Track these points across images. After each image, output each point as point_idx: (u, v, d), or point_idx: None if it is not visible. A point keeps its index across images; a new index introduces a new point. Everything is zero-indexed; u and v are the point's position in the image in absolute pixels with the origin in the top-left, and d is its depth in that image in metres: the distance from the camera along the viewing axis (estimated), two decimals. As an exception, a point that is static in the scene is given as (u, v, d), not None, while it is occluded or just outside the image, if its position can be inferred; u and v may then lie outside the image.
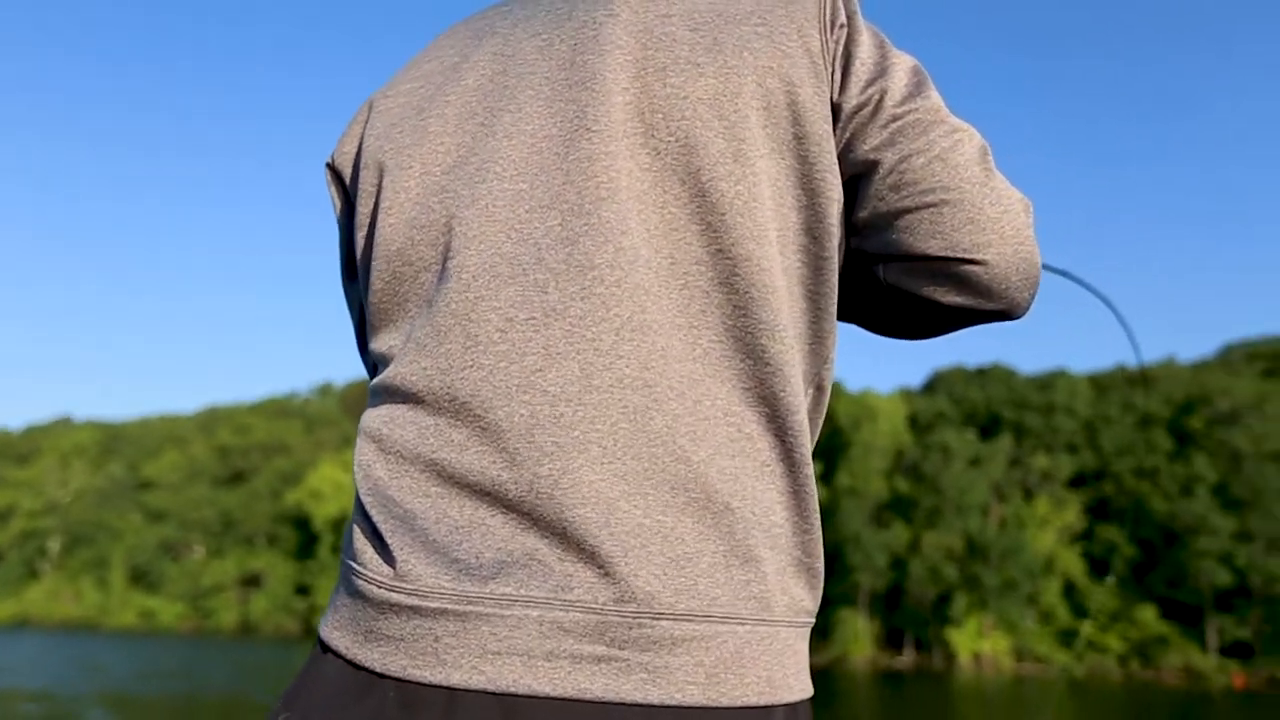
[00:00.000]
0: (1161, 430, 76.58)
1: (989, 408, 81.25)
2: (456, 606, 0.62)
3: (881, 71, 0.75)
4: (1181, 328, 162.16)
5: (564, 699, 0.59)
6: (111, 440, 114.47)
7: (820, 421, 0.80)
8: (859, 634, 73.97)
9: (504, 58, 0.78)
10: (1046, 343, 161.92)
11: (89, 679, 16.30)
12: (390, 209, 0.77)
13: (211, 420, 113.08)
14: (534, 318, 0.67)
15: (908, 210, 0.74)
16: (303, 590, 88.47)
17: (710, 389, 0.68)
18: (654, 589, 0.62)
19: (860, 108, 0.74)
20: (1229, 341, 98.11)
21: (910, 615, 73.85)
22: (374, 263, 0.78)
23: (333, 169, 0.87)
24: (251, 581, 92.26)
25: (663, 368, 0.66)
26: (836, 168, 0.74)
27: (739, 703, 0.62)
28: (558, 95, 0.72)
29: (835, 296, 0.76)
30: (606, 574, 0.61)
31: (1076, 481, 77.61)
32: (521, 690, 0.59)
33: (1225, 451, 71.78)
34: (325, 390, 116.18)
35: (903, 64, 0.77)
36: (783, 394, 0.70)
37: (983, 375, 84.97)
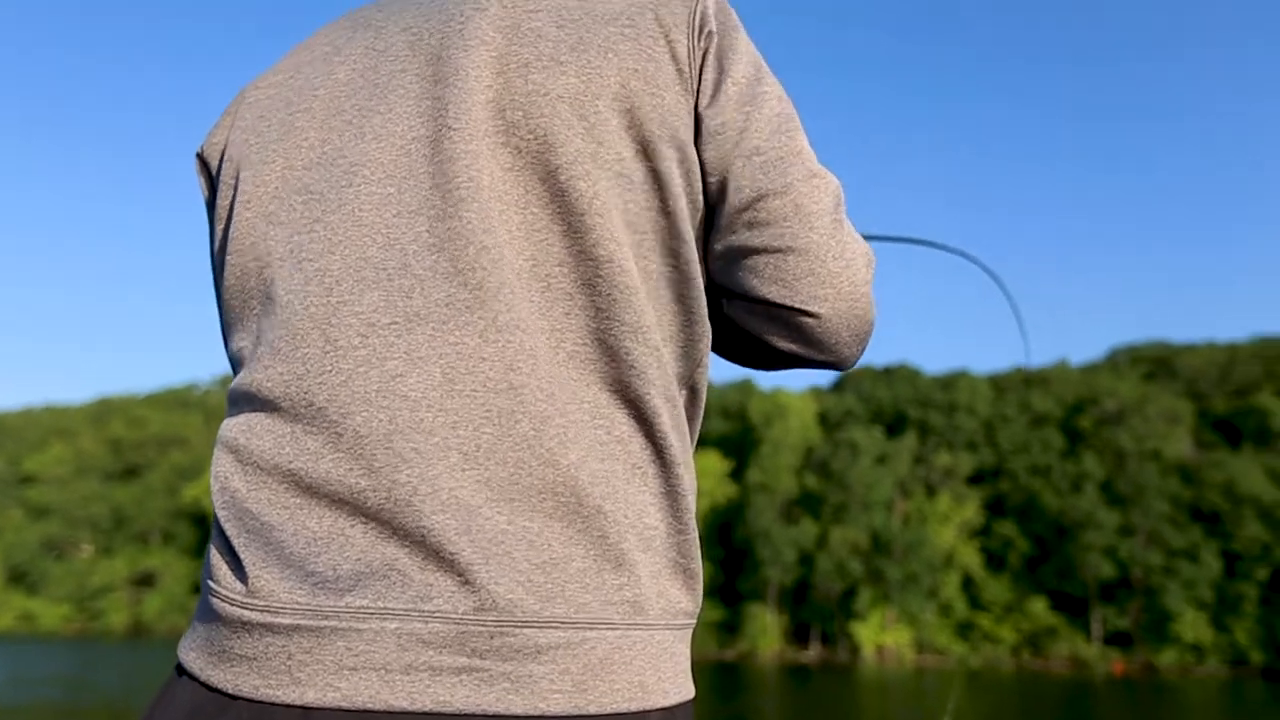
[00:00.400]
0: (1054, 429, 79.83)
1: (895, 406, 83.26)
2: (311, 622, 0.61)
3: (752, 97, 0.74)
4: (1072, 331, 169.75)
5: (423, 713, 0.58)
6: None
7: (697, 423, 0.79)
8: (767, 629, 74.86)
9: (375, 52, 0.77)
10: (950, 343, 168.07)
11: None
12: (248, 203, 0.75)
13: (103, 411, 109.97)
14: (396, 322, 0.65)
15: (756, 250, 0.74)
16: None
17: (578, 391, 0.67)
18: (516, 596, 0.60)
19: (724, 128, 0.73)
20: (1115, 345, 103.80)
21: (817, 609, 74.98)
22: (228, 258, 0.76)
23: (201, 159, 0.85)
24: (145, 581, 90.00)
25: (529, 370, 0.65)
26: (696, 175, 0.73)
27: (608, 710, 0.61)
28: (425, 93, 0.71)
29: (704, 300, 0.75)
30: (466, 582, 0.60)
31: (976, 478, 79.87)
32: (379, 706, 0.58)
33: (1111, 450, 75.23)
34: (227, 381, 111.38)
35: (774, 93, 0.77)
36: (651, 396, 0.69)
37: (889, 374, 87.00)
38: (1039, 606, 74.43)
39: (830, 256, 0.75)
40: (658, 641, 0.66)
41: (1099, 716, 18.40)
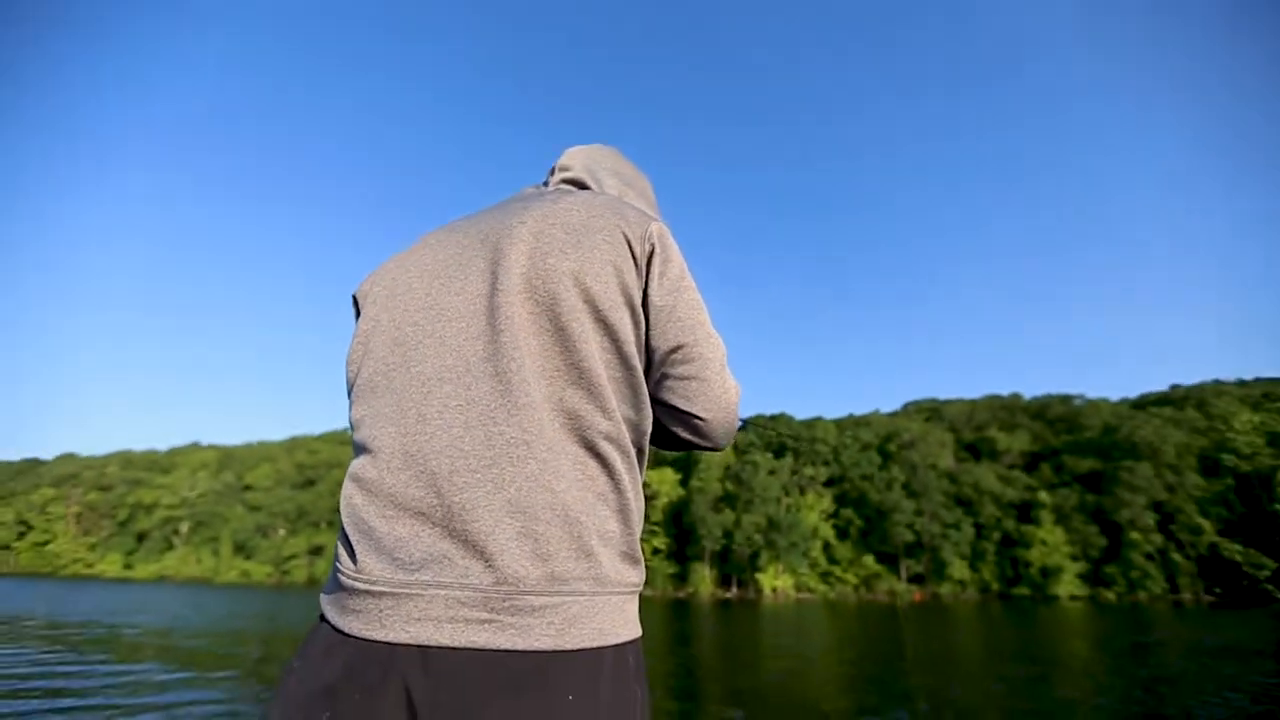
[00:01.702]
0: (874, 452, 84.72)
1: (779, 439, 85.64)
2: (394, 590, 0.66)
3: (678, 287, 0.80)
4: (882, 389, 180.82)
5: (459, 648, 0.62)
6: (225, 458, 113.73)
7: (644, 466, 0.82)
8: (704, 578, 77.36)
9: (460, 245, 0.82)
10: (811, 399, 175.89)
11: (204, 617, 16.26)
12: (378, 325, 0.81)
13: (293, 445, 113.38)
14: (460, 404, 0.71)
15: (675, 377, 0.82)
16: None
17: (567, 448, 0.71)
18: (522, 574, 0.65)
19: (662, 303, 0.79)
20: (907, 400, 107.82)
21: (735, 565, 76.97)
22: (365, 357, 0.81)
23: (354, 299, 0.87)
24: (316, 551, 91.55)
25: (536, 432, 0.69)
26: (642, 327, 0.78)
27: (578, 646, 0.65)
28: (487, 269, 0.77)
29: (647, 397, 0.79)
30: (490, 565, 0.65)
31: (828, 483, 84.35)
32: (433, 643, 0.63)
33: (908, 464, 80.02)
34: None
35: (691, 285, 0.82)
36: (613, 452, 0.73)
37: (775, 418, 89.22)
38: (869, 560, 76.51)
39: (717, 385, 0.83)
40: (613, 603, 0.70)
41: (905, 628, 18.76)
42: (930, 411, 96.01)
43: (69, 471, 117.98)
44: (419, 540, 0.67)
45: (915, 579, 76.60)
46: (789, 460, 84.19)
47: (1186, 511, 69.07)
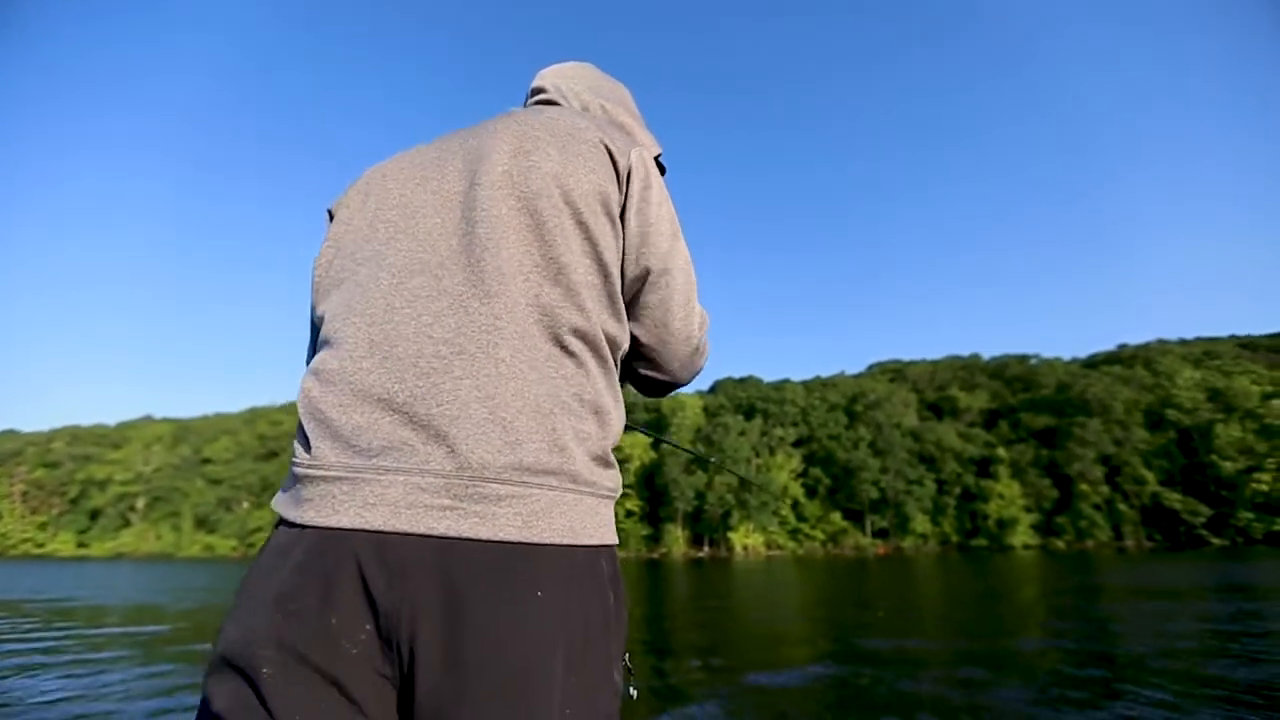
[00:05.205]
0: (841, 413, 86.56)
1: (749, 401, 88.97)
2: (349, 475, 0.62)
3: (654, 213, 0.78)
4: (849, 351, 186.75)
5: (418, 535, 0.59)
6: (181, 432, 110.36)
7: (617, 367, 0.79)
8: (677, 538, 79.18)
9: (440, 149, 0.81)
10: (780, 361, 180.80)
11: (165, 594, 15.97)
12: (351, 224, 0.79)
13: (253, 417, 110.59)
14: (432, 295, 0.68)
15: (644, 306, 0.80)
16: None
17: (541, 342, 0.68)
18: (487, 460, 0.61)
19: (636, 230, 0.77)
20: (872, 361, 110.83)
21: (707, 525, 79.04)
22: (329, 252, 0.79)
23: (330, 212, 0.84)
24: None
25: (510, 323, 0.66)
26: (619, 235, 0.76)
27: (547, 540, 0.61)
28: (466, 168, 0.75)
29: (623, 308, 0.78)
30: (453, 451, 0.61)
31: (797, 443, 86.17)
32: (390, 529, 0.59)
33: (874, 423, 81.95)
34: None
35: (669, 210, 0.80)
36: (590, 353, 0.71)
37: (744, 381, 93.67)
38: (836, 517, 79.86)
39: (679, 316, 0.81)
40: (586, 503, 0.66)
41: (870, 580, 19.14)
42: (895, 372, 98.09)
43: (11, 449, 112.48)
44: (378, 428, 0.63)
45: (880, 534, 79.28)
46: (759, 422, 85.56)
47: (1132, 464, 72.58)
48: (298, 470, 0.66)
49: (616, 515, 0.58)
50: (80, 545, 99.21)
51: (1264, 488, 65.85)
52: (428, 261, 0.70)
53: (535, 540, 0.60)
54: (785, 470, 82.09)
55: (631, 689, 0.74)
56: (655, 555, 74.62)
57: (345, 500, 0.61)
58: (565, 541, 0.62)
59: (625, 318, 0.78)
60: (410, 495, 0.60)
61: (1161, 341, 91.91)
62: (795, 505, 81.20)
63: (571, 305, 0.70)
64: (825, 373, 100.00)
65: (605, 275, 0.74)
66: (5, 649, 6.90)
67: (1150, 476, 72.01)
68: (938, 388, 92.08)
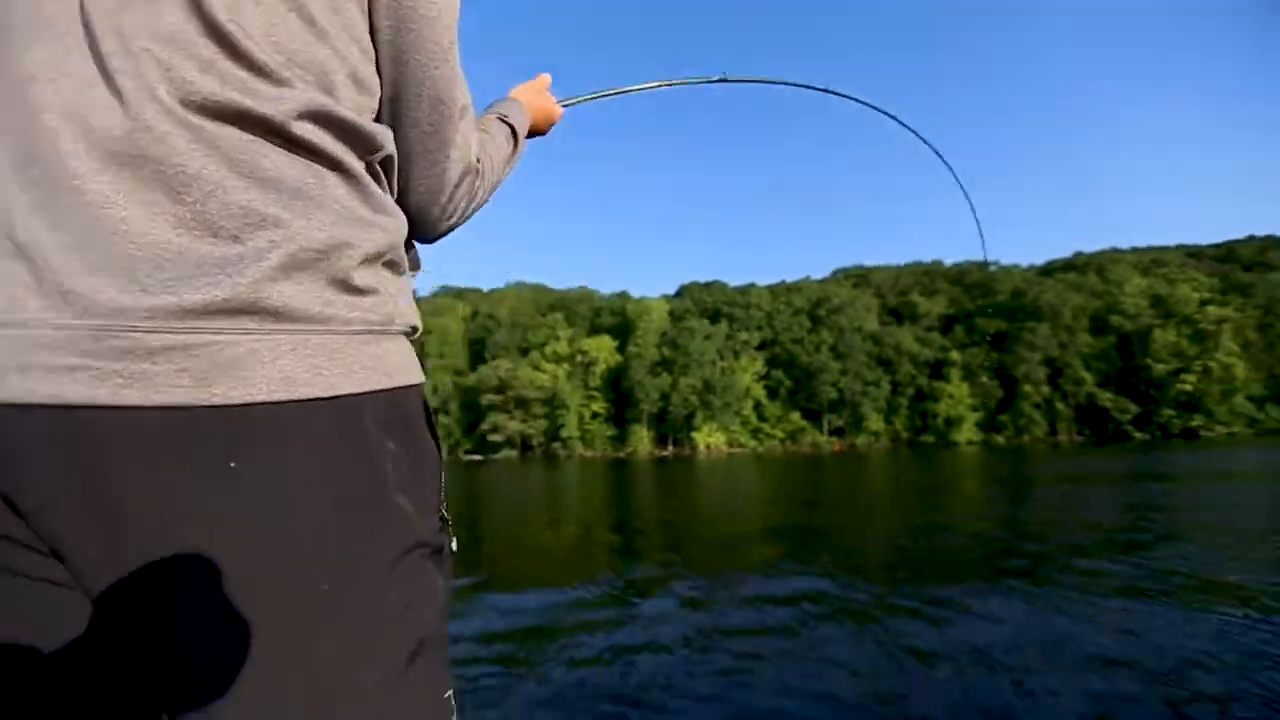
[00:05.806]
0: (804, 316, 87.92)
1: (714, 305, 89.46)
2: None
3: (423, 14, 0.55)
4: (814, 257, 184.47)
5: (40, 405, 0.42)
6: None
7: (391, 181, 0.59)
8: (643, 438, 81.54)
9: None
10: (745, 267, 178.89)
11: None
12: None
13: None
14: (51, 79, 0.45)
15: (406, 121, 0.59)
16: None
17: (216, 132, 0.45)
18: (129, 303, 0.43)
19: (388, 31, 0.55)
20: (836, 267, 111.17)
21: (671, 425, 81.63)
22: None
23: None
24: None
25: (157, 113, 0.44)
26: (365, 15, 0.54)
27: (241, 400, 0.44)
28: None
29: (371, 72, 0.55)
30: (72, 293, 0.43)
31: (760, 346, 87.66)
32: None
33: (836, 327, 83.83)
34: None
35: (446, 25, 0.57)
36: (300, 137, 0.48)
37: (709, 285, 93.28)
38: (795, 416, 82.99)
39: (439, 151, 0.61)
40: (314, 344, 0.47)
41: (826, 475, 19.99)
42: (858, 278, 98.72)
43: None
44: None
45: (836, 432, 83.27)
46: (724, 326, 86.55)
47: (1074, 366, 76.75)
48: None
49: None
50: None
51: (1188, 388, 70.71)
52: (54, 20, 0.47)
53: (220, 402, 0.43)
54: (749, 373, 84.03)
55: (453, 542, 0.59)
56: (621, 455, 76.99)
57: None
58: (275, 398, 0.45)
59: (375, 82, 0.57)
60: (20, 355, 0.43)
61: (1115, 250, 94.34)
62: (757, 406, 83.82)
63: (247, 73, 0.47)
64: (791, 278, 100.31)
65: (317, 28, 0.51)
66: None
67: (1089, 378, 76.45)
68: (900, 293, 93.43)
